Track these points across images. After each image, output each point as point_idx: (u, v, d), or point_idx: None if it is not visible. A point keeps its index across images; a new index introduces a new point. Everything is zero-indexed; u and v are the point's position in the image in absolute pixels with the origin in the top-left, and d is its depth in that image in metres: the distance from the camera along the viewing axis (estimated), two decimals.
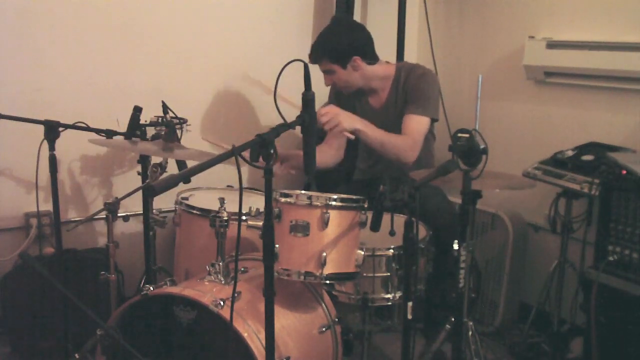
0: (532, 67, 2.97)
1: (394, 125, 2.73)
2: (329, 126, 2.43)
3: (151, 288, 2.02)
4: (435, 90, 2.75)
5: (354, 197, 2.05)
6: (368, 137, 2.54)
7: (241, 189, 1.58)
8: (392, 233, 1.93)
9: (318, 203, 1.98)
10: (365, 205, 2.06)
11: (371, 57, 2.76)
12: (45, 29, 2.75)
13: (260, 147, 1.62)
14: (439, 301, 2.65)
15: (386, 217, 1.93)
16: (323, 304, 2.25)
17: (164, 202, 2.90)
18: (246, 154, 1.60)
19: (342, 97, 2.90)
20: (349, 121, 2.48)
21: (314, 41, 2.76)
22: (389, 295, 2.22)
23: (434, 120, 2.76)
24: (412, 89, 2.71)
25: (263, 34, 3.27)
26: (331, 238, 2.00)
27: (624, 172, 2.21)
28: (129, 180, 2.98)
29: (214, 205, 2.16)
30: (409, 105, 2.70)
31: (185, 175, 1.61)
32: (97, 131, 2.40)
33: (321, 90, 3.01)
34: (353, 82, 2.76)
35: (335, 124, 2.42)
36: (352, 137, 2.50)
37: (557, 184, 2.53)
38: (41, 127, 2.31)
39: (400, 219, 1.96)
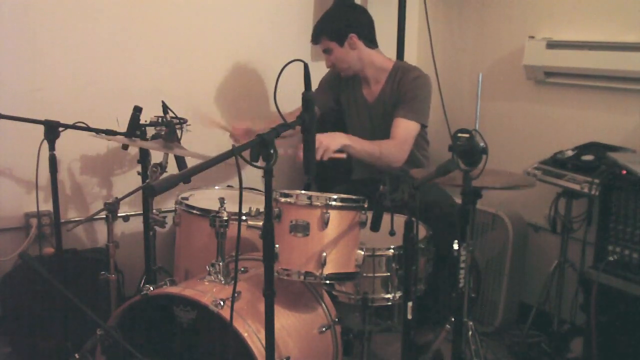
0: (532, 67, 2.97)
1: (382, 121, 2.75)
2: (318, 155, 2.41)
3: (151, 288, 2.03)
4: (428, 96, 2.76)
5: (354, 197, 2.06)
6: (356, 151, 2.58)
7: (241, 189, 1.58)
8: (392, 233, 1.93)
9: (318, 203, 1.98)
10: (365, 205, 2.07)
11: (369, 40, 2.81)
12: (45, 28, 2.75)
13: (260, 147, 1.62)
14: (438, 301, 2.65)
15: (386, 217, 1.93)
16: (323, 304, 2.25)
17: (164, 202, 2.90)
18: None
19: (337, 84, 2.92)
20: (335, 141, 2.48)
21: (316, 22, 2.84)
22: (389, 295, 2.22)
23: (423, 126, 2.77)
24: (405, 90, 2.72)
25: (263, 34, 3.27)
26: (331, 238, 2.00)
27: (624, 172, 2.21)
28: (129, 180, 2.98)
29: (214, 205, 2.16)
30: (399, 109, 2.71)
31: (185, 175, 1.61)
32: (97, 131, 2.40)
33: None
34: (351, 62, 2.80)
35: (323, 149, 2.42)
36: (344, 156, 2.50)
37: (557, 184, 2.53)
38: (41, 127, 2.31)
39: (400, 219, 1.96)
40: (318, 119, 2.99)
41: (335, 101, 3.02)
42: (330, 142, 2.46)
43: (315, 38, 2.83)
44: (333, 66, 2.86)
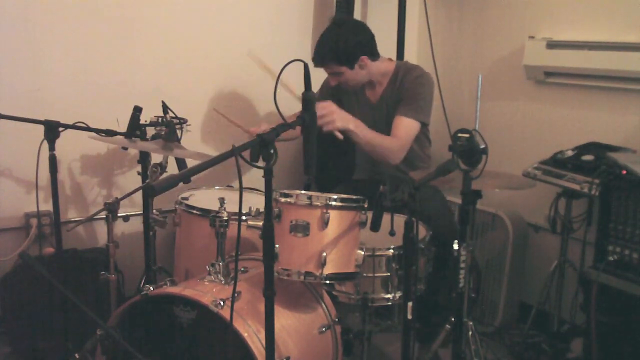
0: (532, 67, 2.97)
1: (385, 122, 2.74)
2: (322, 121, 2.42)
3: (151, 288, 2.02)
4: (429, 94, 2.75)
5: (354, 197, 2.06)
6: (358, 138, 2.56)
7: (241, 189, 1.58)
8: (392, 233, 1.93)
9: (318, 203, 1.98)
10: (365, 205, 2.07)
11: (375, 54, 2.79)
12: (45, 28, 2.75)
13: (260, 147, 1.62)
14: (438, 302, 2.65)
15: (386, 217, 1.93)
16: (323, 304, 2.25)
17: (164, 202, 2.89)
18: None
19: (338, 88, 2.91)
20: (343, 120, 2.49)
21: (317, 44, 2.75)
22: (389, 295, 2.22)
23: (424, 125, 2.76)
24: (407, 89, 2.72)
25: (263, 34, 3.27)
26: (331, 238, 2.00)
27: (624, 172, 2.21)
28: (129, 180, 2.99)
29: (214, 205, 2.16)
30: (401, 106, 2.70)
31: (185, 175, 1.61)
32: (97, 131, 2.40)
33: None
34: (360, 80, 2.79)
35: (329, 120, 2.43)
36: (341, 136, 2.49)
37: (557, 184, 2.53)
38: (41, 127, 2.31)
39: (400, 219, 1.96)
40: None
41: (338, 105, 3.00)
42: (339, 119, 2.46)
43: (321, 62, 2.72)
44: (338, 84, 2.81)
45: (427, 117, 2.75)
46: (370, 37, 2.77)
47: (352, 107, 2.95)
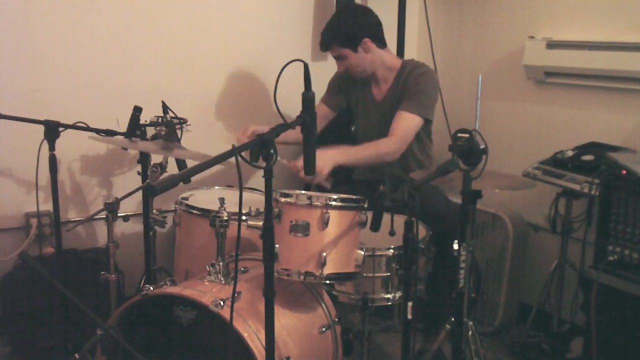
0: (532, 67, 2.97)
1: (390, 120, 2.74)
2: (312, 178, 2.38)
3: (151, 288, 2.02)
4: (433, 91, 2.74)
5: (354, 197, 2.06)
6: (352, 163, 2.57)
7: (241, 189, 1.58)
8: (392, 233, 1.93)
9: (318, 203, 1.98)
10: (365, 205, 2.07)
11: (381, 41, 2.78)
12: (45, 29, 2.75)
13: (261, 147, 1.62)
14: (438, 301, 2.65)
15: (386, 217, 1.93)
16: (323, 304, 2.25)
17: (164, 202, 2.89)
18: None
19: (347, 84, 2.91)
20: (327, 163, 2.39)
21: (323, 29, 2.77)
22: (389, 295, 2.22)
23: (427, 121, 2.75)
24: (410, 86, 2.71)
25: (263, 34, 3.27)
26: (331, 238, 2.00)
27: (624, 172, 2.21)
28: (129, 180, 2.99)
29: (214, 205, 2.16)
30: (403, 102, 2.70)
31: (185, 175, 1.61)
32: (97, 131, 2.40)
33: (321, 90, 3.02)
34: (366, 66, 2.77)
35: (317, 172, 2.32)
36: (329, 186, 2.44)
37: (557, 184, 2.53)
38: (41, 127, 2.31)
39: (400, 219, 1.96)
40: (330, 122, 3.00)
41: (347, 102, 2.99)
42: (323, 167, 2.36)
43: (325, 45, 2.75)
44: (346, 71, 2.81)
45: (430, 114, 2.73)
46: (375, 21, 2.76)
47: (357, 105, 2.94)
